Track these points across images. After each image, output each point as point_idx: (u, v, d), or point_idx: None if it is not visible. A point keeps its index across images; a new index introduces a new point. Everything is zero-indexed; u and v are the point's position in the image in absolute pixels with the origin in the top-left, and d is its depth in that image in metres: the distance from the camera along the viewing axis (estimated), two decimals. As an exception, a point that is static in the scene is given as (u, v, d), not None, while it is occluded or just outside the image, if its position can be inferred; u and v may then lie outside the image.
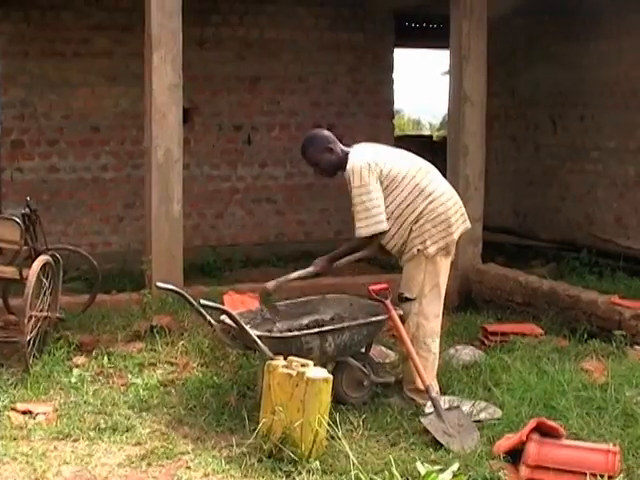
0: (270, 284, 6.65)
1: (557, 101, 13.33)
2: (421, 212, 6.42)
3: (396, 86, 14.17)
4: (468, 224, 6.73)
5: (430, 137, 20.31)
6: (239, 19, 12.96)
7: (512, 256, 12.13)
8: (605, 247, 12.17)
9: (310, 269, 6.69)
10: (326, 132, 6.81)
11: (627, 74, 12.01)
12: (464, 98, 10.07)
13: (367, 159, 6.44)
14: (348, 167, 6.45)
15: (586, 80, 12.71)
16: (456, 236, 6.54)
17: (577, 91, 12.92)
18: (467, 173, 10.05)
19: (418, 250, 6.42)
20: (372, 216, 6.37)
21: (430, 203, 6.43)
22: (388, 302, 6.40)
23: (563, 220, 13.28)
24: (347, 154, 6.58)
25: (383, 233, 6.44)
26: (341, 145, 6.70)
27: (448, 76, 10.58)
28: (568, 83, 13.05)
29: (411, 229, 6.44)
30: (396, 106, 14.57)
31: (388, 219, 6.41)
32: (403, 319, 6.41)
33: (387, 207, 6.42)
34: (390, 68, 14.07)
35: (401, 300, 6.47)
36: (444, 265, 6.55)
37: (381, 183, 6.41)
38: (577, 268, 11.27)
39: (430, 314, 6.51)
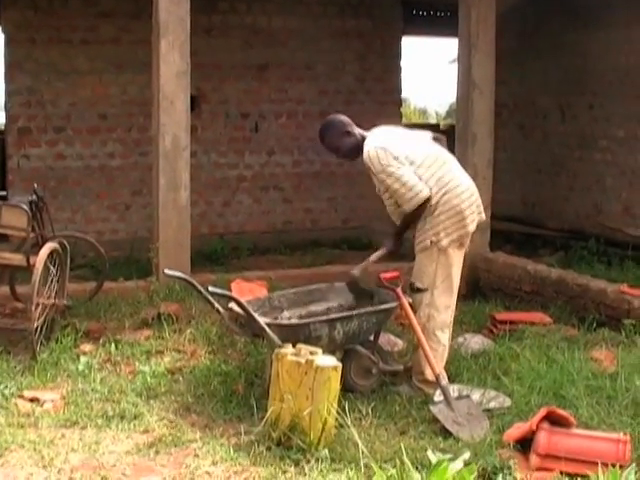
0: (356, 271, 6.61)
1: (566, 89, 13.28)
2: (436, 204, 6.36)
3: (403, 74, 14.14)
4: (483, 216, 6.70)
5: (437, 126, 20.23)
6: (247, 6, 12.91)
7: (520, 245, 12.11)
8: (613, 236, 12.13)
9: (384, 249, 6.60)
10: (341, 116, 6.76)
11: (637, 63, 11.95)
12: (473, 86, 10.02)
13: (379, 144, 6.38)
14: (364, 155, 6.41)
15: (595, 68, 12.67)
16: (471, 229, 6.51)
17: (586, 79, 12.87)
18: (475, 162, 9.98)
19: (431, 242, 6.39)
20: (410, 189, 6.28)
21: (444, 195, 6.37)
22: (399, 290, 6.39)
23: (571, 209, 13.24)
24: (364, 138, 6.54)
25: (429, 199, 6.34)
26: (358, 128, 6.65)
27: (456, 64, 10.53)
28: (577, 71, 13.00)
29: (425, 220, 6.40)
30: (403, 94, 14.51)
31: None
32: (413, 307, 6.38)
33: None
34: (398, 55, 14.03)
35: (412, 290, 6.45)
36: (457, 257, 6.51)
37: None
38: (585, 257, 11.24)
39: (441, 306, 6.48)
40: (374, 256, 6.60)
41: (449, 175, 6.46)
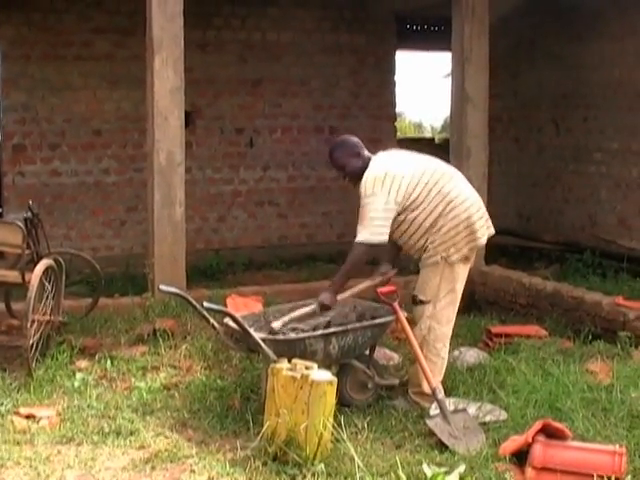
0: (276, 325, 6.41)
1: (560, 102, 13.32)
2: (445, 219, 6.37)
3: (397, 89, 14.17)
4: (492, 230, 6.66)
5: (432, 139, 20.28)
6: (241, 22, 12.96)
7: (515, 258, 12.13)
8: (609, 248, 12.14)
9: (314, 306, 6.47)
10: (355, 138, 6.74)
11: (630, 75, 11.99)
12: (466, 100, 10.07)
13: (386, 169, 6.36)
14: (365, 175, 6.40)
15: (589, 81, 12.70)
16: (481, 242, 6.50)
17: (580, 92, 12.90)
18: (470, 175, 9.87)
19: (442, 257, 6.38)
20: (373, 226, 6.29)
21: (452, 210, 6.37)
22: (396, 304, 6.38)
23: (566, 222, 13.26)
24: (370, 160, 6.55)
25: (380, 245, 6.35)
26: (367, 152, 6.65)
27: (450, 78, 10.57)
28: (571, 84, 13.04)
29: (435, 236, 6.40)
30: (397, 109, 14.54)
31: (418, 228, 6.40)
32: (410, 321, 6.38)
33: (414, 217, 6.38)
34: (392, 70, 14.07)
35: (415, 303, 6.45)
36: (462, 271, 6.51)
37: (401, 194, 6.33)
38: (580, 269, 11.27)
39: (443, 318, 6.47)
40: (299, 312, 6.50)
41: (456, 190, 6.45)
